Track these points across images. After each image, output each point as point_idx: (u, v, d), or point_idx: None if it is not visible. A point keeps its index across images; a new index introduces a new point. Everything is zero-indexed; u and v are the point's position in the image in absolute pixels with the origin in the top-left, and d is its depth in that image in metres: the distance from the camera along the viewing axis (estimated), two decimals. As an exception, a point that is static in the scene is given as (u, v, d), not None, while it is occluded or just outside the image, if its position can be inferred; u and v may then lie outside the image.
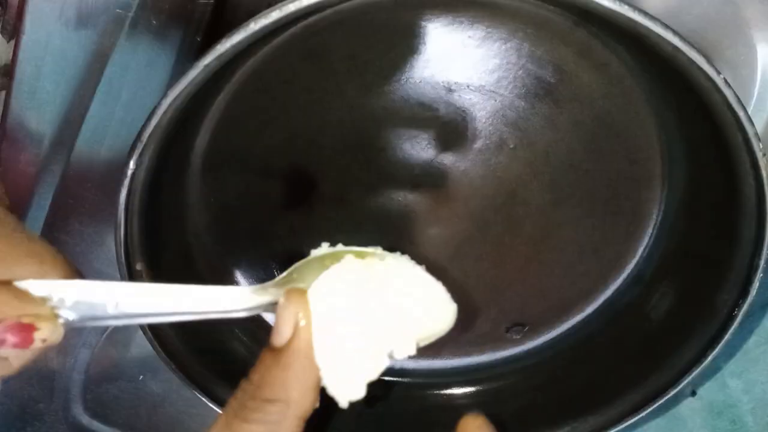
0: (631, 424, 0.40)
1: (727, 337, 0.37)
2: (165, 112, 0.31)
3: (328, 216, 0.41)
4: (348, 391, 0.30)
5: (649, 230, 0.42)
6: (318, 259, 0.32)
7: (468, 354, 0.45)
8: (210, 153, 0.39)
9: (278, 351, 0.29)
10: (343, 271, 0.30)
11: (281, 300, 0.29)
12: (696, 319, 0.39)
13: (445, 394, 0.46)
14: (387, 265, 0.31)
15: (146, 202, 0.34)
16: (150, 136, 0.32)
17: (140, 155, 0.32)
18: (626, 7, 0.29)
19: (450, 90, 0.39)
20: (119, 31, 0.36)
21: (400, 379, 0.45)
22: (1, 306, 0.25)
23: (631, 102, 0.38)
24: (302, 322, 0.29)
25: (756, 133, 0.32)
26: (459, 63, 0.38)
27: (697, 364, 0.38)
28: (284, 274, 0.32)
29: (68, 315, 0.27)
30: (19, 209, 0.39)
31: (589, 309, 0.44)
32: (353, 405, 0.30)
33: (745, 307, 0.36)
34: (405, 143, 0.40)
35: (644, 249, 0.43)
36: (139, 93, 0.39)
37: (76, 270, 0.27)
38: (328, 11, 0.32)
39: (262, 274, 0.43)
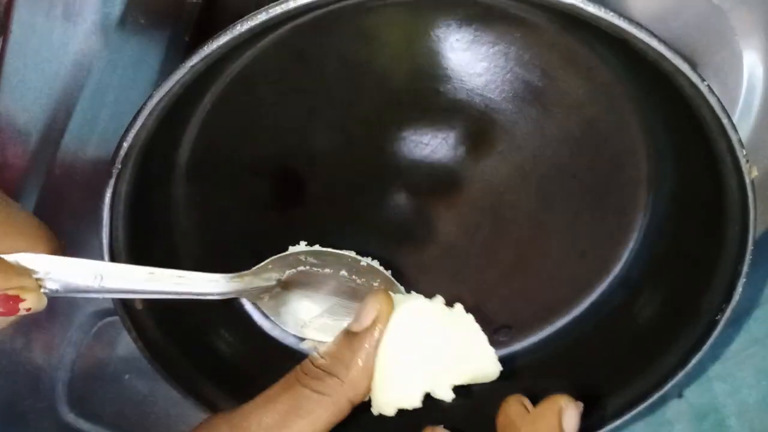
0: (616, 426, 0.40)
1: (711, 340, 0.37)
2: (151, 113, 0.31)
3: (315, 217, 0.41)
4: (383, 404, 0.34)
5: (636, 234, 0.42)
6: (294, 254, 0.37)
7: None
8: (197, 153, 0.39)
9: (352, 335, 0.33)
10: (427, 307, 0.34)
11: (370, 294, 0.34)
12: (681, 322, 0.39)
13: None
14: (459, 317, 0.35)
15: (132, 202, 0.34)
16: (135, 136, 0.32)
17: (126, 155, 0.32)
18: (612, 13, 0.29)
19: (438, 92, 0.39)
20: (107, 29, 0.36)
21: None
22: None
23: (618, 107, 0.39)
24: (378, 326, 0.33)
25: (740, 140, 0.32)
26: (447, 66, 0.38)
27: (682, 368, 0.38)
28: (260, 264, 0.35)
29: (52, 285, 0.28)
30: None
31: (576, 311, 0.44)
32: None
33: (729, 311, 0.36)
34: (393, 145, 0.40)
35: (630, 252, 0.43)
36: (127, 92, 0.39)
37: (63, 244, 0.29)
38: (316, 12, 0.32)
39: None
